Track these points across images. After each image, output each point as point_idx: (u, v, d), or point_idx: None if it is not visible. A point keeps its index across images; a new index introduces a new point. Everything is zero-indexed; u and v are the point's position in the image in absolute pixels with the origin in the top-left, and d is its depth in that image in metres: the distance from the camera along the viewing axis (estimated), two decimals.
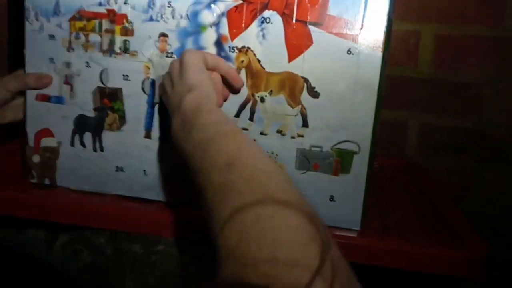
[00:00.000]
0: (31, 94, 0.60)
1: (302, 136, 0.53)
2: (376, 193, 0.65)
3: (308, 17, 0.51)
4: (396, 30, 0.87)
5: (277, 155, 0.54)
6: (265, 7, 0.52)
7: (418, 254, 0.50)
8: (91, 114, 0.59)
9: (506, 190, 0.89)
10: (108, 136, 0.59)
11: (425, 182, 0.76)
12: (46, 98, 0.60)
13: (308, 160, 0.54)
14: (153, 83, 0.56)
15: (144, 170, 0.58)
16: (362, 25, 0.50)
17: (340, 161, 0.53)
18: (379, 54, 0.50)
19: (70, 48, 0.58)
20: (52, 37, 0.58)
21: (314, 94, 0.52)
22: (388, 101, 0.90)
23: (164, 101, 0.51)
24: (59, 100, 0.59)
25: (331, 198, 0.54)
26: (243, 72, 0.53)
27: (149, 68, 0.56)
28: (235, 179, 0.34)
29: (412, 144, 0.90)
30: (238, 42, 0.53)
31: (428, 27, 0.87)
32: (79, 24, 0.57)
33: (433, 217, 0.60)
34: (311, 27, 0.51)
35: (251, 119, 0.54)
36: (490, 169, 0.88)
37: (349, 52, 0.50)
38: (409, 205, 0.65)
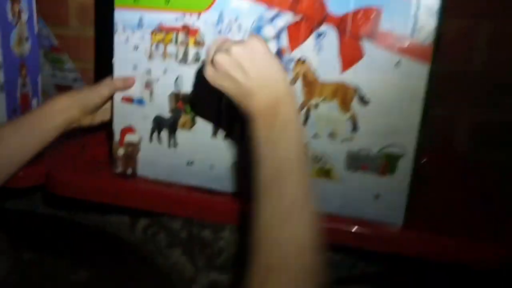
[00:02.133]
0: (117, 97, 0.68)
1: (352, 139, 0.57)
2: (426, 189, 0.67)
3: (361, 32, 0.54)
4: (449, 24, 0.87)
5: (329, 156, 0.58)
6: (321, 22, 0.56)
7: (449, 246, 0.53)
8: (167, 115, 0.66)
9: None
10: (181, 135, 0.65)
11: (476, 176, 0.77)
12: (130, 100, 0.67)
13: (356, 161, 0.57)
14: None
15: (211, 165, 0.65)
16: (411, 41, 0.52)
17: (386, 163, 0.56)
18: (425, 67, 0.52)
19: (151, 57, 0.65)
20: (136, 47, 0.65)
21: (364, 101, 0.56)
22: (440, 97, 0.90)
23: (227, 88, 0.48)
24: (140, 102, 0.67)
25: (377, 196, 0.57)
26: (299, 81, 0.58)
27: None
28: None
29: (463, 139, 0.91)
30: (296, 53, 0.57)
31: (484, 23, 0.86)
32: (159, 36, 0.63)
33: (483, 213, 0.62)
34: (363, 41, 0.54)
35: (305, 123, 0.59)
36: None
37: (397, 65, 0.53)
38: (456, 200, 0.67)
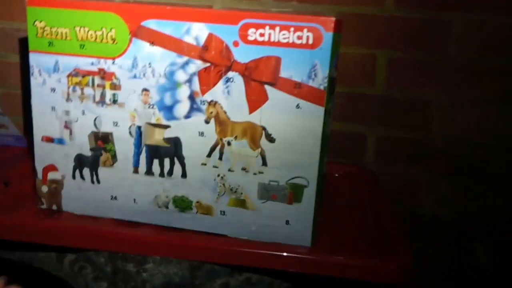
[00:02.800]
0: (37, 136, 0.68)
1: (262, 172, 0.62)
2: (332, 205, 0.75)
3: (264, 78, 0.59)
4: (355, 53, 0.96)
5: (242, 188, 0.64)
6: (229, 69, 0.60)
7: (353, 265, 0.61)
8: (88, 153, 0.67)
9: (451, 194, 0.99)
10: (103, 171, 0.68)
11: (377, 191, 0.85)
12: (50, 140, 0.68)
13: (267, 192, 0.63)
14: (138, 128, 0.65)
15: (134, 199, 0.68)
16: (307, 85, 0.58)
17: (293, 193, 0.62)
18: (321, 108, 0.59)
19: (68, 99, 0.66)
20: (53, 90, 0.66)
21: (270, 139, 0.61)
22: (349, 115, 0.99)
23: None
24: (60, 141, 0.68)
25: (287, 222, 0.63)
26: (212, 120, 0.62)
27: (134, 117, 0.65)
28: None
29: (370, 154, 1.00)
30: (207, 96, 0.62)
31: (382, 52, 0.95)
32: (76, 79, 0.65)
33: (376, 230, 0.70)
34: (266, 86, 0.59)
35: (220, 158, 0.63)
36: (438, 176, 0.98)
37: (297, 107, 0.59)
38: (357, 219, 0.74)
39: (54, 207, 0.71)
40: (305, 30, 0.57)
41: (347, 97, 0.97)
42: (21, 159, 0.91)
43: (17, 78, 1.08)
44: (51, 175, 0.70)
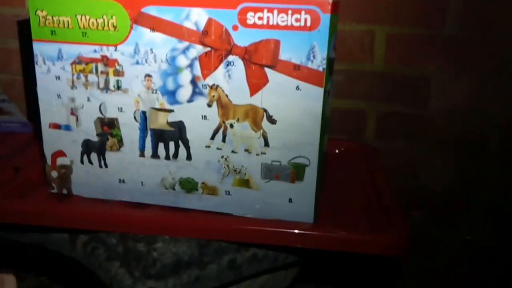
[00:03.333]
0: (45, 123, 0.70)
1: (264, 153, 0.64)
2: (333, 181, 0.76)
3: (264, 61, 0.60)
4: (353, 30, 0.96)
5: (246, 168, 0.65)
6: (229, 53, 0.61)
7: (354, 239, 0.63)
8: (95, 138, 0.69)
9: (447, 168, 1.00)
10: (110, 156, 0.69)
11: (376, 167, 0.87)
12: (57, 126, 0.70)
13: (270, 171, 0.65)
14: (143, 113, 0.66)
15: (142, 182, 0.69)
16: (306, 67, 0.59)
17: (295, 172, 0.64)
18: (321, 89, 0.60)
19: (73, 86, 0.67)
20: (58, 77, 0.67)
21: (272, 121, 0.63)
22: (349, 92, 1.00)
23: None
24: (67, 128, 0.70)
25: (290, 200, 0.65)
26: (214, 104, 0.64)
27: (138, 102, 0.66)
28: None
29: (370, 130, 1.01)
30: (209, 80, 0.63)
31: (381, 28, 0.95)
32: (79, 67, 0.66)
33: (375, 205, 0.72)
34: (266, 69, 0.60)
35: (223, 140, 0.65)
36: (435, 150, 1.00)
37: (297, 88, 0.60)
38: (357, 195, 0.76)
39: (64, 191, 0.73)
40: (302, 12, 0.57)
41: (347, 74, 0.98)
42: (28, 145, 0.93)
43: (19, 64, 1.08)
44: (60, 161, 0.72)
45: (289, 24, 0.58)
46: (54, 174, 0.72)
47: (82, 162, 0.71)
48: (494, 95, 0.95)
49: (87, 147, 0.70)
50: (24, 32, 1.05)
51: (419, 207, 1.03)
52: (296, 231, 0.64)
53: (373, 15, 0.94)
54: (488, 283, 1.06)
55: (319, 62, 0.59)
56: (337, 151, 0.94)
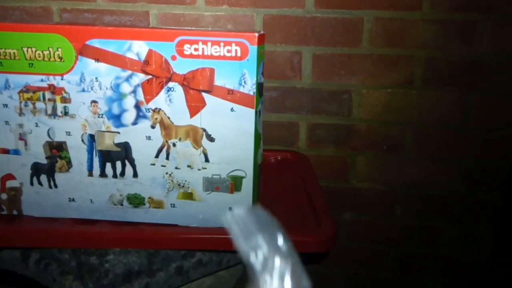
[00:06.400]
0: None
1: (205, 168, 0.71)
2: (269, 188, 0.84)
3: (201, 87, 0.67)
4: (283, 51, 1.05)
5: (189, 182, 0.72)
6: (169, 80, 0.67)
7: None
8: (44, 161, 0.73)
9: (371, 169, 1.12)
10: (60, 177, 0.73)
11: (308, 173, 0.96)
12: (6, 151, 0.73)
13: (211, 184, 0.72)
14: (90, 136, 0.71)
15: (91, 199, 0.74)
16: (239, 92, 0.67)
17: (233, 183, 0.71)
18: (252, 110, 0.67)
19: (21, 113, 0.71)
20: (5, 105, 0.70)
21: (211, 139, 0.69)
22: (282, 107, 1.08)
23: None
24: (16, 152, 0.73)
25: (230, 209, 0.72)
26: (158, 125, 0.70)
27: (85, 126, 0.70)
28: None
29: (302, 139, 1.11)
30: (151, 105, 0.69)
31: (307, 48, 1.05)
32: (27, 95, 0.70)
33: (307, 208, 0.81)
34: (203, 93, 0.67)
35: (167, 158, 0.71)
36: (360, 154, 1.11)
37: (232, 110, 0.68)
38: (291, 199, 0.85)
39: (15, 212, 0.75)
40: (233, 44, 0.65)
41: (279, 90, 1.07)
42: None
43: None
44: (10, 184, 0.74)
45: (221, 54, 0.65)
46: (4, 196, 0.75)
47: (32, 183, 0.74)
48: (406, 102, 1.07)
49: (37, 169, 0.73)
50: None
51: (350, 205, 1.14)
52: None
53: (299, 37, 1.03)
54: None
55: (249, 87, 0.66)
56: (272, 160, 1.03)
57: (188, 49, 0.65)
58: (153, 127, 0.70)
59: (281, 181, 0.93)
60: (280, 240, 0.32)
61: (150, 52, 0.66)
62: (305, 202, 0.83)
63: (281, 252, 0.32)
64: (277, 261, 0.30)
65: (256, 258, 0.30)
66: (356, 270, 1.19)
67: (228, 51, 0.65)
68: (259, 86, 0.68)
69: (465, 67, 1.02)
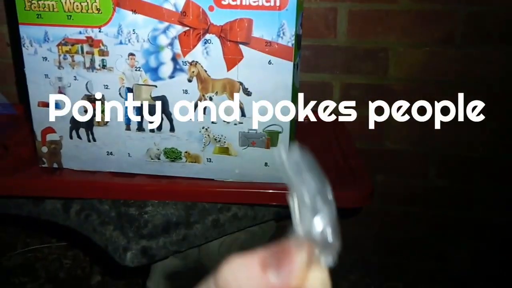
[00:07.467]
0: (34, 102, 0.74)
1: (242, 123, 0.70)
2: (304, 146, 0.83)
3: (238, 38, 0.66)
4: (317, 7, 1.02)
5: (225, 137, 0.71)
6: (206, 31, 0.66)
7: None
8: (83, 114, 0.73)
9: (407, 131, 1.09)
10: (98, 130, 0.74)
11: (342, 132, 0.95)
12: (46, 105, 0.74)
13: (247, 139, 0.71)
14: (127, 89, 0.71)
15: (128, 153, 0.75)
16: (277, 43, 0.65)
17: (269, 139, 0.71)
18: (290, 63, 0.66)
19: (60, 67, 0.71)
20: (45, 58, 0.71)
21: (247, 93, 0.69)
22: (315, 66, 1.06)
23: None
24: (56, 105, 0.74)
25: (266, 164, 0.72)
26: (194, 79, 0.69)
27: (123, 79, 0.71)
28: None
29: (336, 100, 1.08)
30: (188, 57, 0.68)
31: (343, 5, 1.01)
32: (65, 48, 0.70)
33: (342, 165, 0.80)
34: (241, 46, 0.66)
35: (204, 112, 0.71)
36: (397, 115, 1.08)
37: (269, 63, 0.66)
38: (326, 157, 0.84)
39: (55, 165, 0.77)
40: None
41: (312, 49, 1.04)
42: (13, 125, 0.96)
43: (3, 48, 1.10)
44: (50, 137, 0.76)
45: (260, 4, 0.64)
46: (44, 149, 0.76)
47: (71, 137, 0.75)
48: (445, 61, 1.03)
49: (75, 123, 0.74)
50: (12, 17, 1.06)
51: (384, 167, 1.12)
52: (271, 191, 0.71)
53: None
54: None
55: (288, 39, 0.65)
56: (306, 120, 1.01)
57: None
58: (190, 80, 0.69)
59: (316, 140, 0.92)
60: (327, 186, 0.32)
61: (187, 2, 0.65)
62: (340, 160, 0.82)
63: (326, 197, 0.31)
64: (320, 203, 0.30)
65: (304, 192, 0.29)
66: (387, 232, 1.19)
67: (267, 0, 0.63)
68: (298, 38, 0.67)
69: (510, 23, 0.98)
